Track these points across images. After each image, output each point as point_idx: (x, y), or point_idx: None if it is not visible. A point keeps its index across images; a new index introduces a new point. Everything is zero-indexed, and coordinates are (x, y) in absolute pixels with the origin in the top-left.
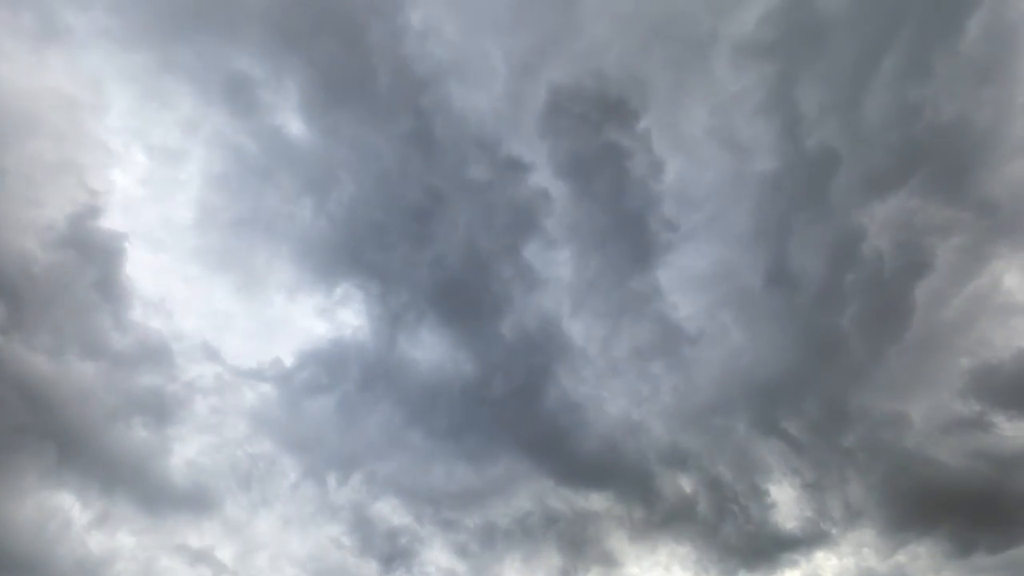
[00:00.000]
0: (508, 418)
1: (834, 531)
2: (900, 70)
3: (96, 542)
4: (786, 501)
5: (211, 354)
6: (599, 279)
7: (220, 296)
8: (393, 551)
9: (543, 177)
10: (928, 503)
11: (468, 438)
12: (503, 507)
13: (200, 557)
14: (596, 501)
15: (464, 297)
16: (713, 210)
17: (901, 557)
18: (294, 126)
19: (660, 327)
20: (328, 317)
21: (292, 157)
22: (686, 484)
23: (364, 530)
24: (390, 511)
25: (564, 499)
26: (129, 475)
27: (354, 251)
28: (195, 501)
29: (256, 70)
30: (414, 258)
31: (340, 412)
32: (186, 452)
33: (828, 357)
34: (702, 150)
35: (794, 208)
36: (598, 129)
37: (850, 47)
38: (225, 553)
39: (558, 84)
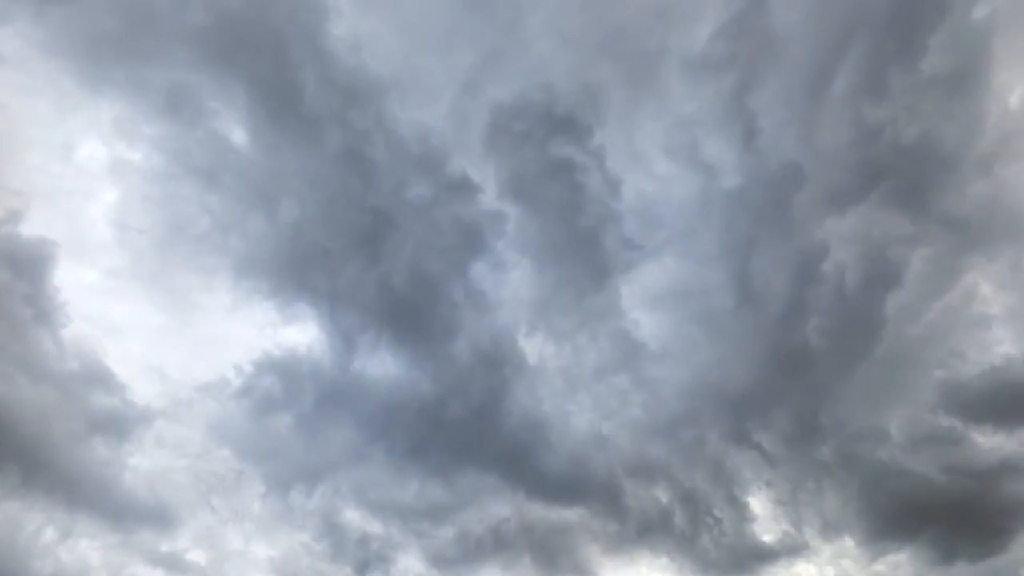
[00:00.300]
0: (470, 436)
1: (813, 542)
2: (859, 86)
3: (67, 556)
4: (764, 512)
5: (157, 372)
6: (557, 297)
7: (156, 312)
8: (367, 557)
9: (492, 195)
10: (907, 513)
11: (430, 455)
12: (474, 520)
13: (172, 566)
14: (570, 514)
15: (416, 317)
16: (674, 227)
17: (880, 567)
18: (235, 139)
19: (622, 343)
20: (276, 335)
21: (232, 170)
22: (661, 496)
23: (335, 537)
24: (360, 521)
25: (536, 513)
26: (93, 492)
27: (298, 269)
28: (161, 514)
29: (191, 82)
30: (361, 278)
31: (298, 428)
32: (147, 468)
33: (797, 371)
34: (659, 167)
35: (757, 224)
36: (549, 146)
37: (808, 62)
38: (196, 561)
39: (505, 100)
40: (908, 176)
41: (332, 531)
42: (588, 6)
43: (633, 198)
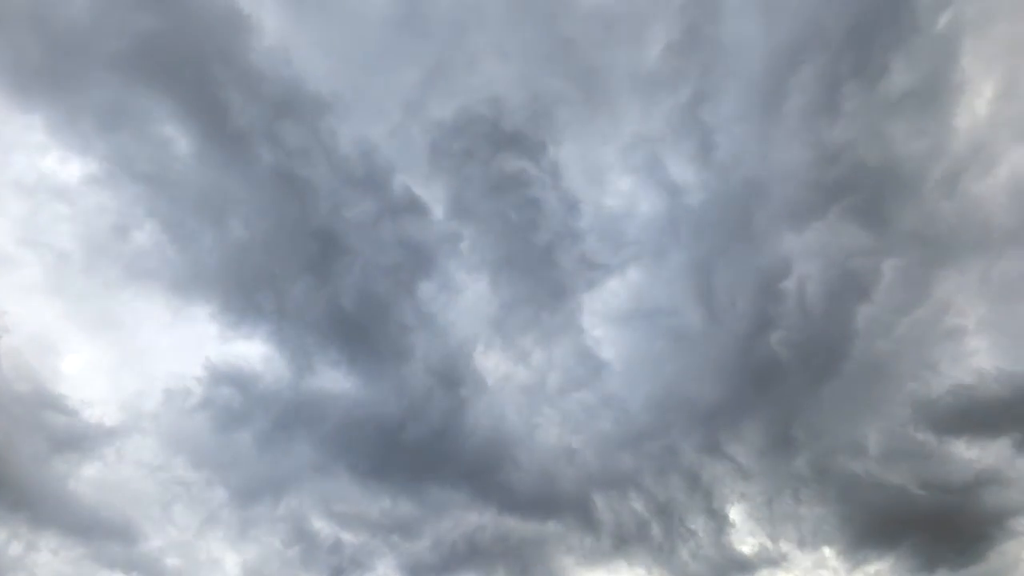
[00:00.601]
0: (434, 454)
1: (791, 553)
2: (818, 101)
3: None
4: (741, 524)
5: (107, 389)
6: (514, 315)
7: (93, 329)
8: (341, 564)
9: (441, 213)
10: (886, 523)
11: (395, 472)
12: (446, 533)
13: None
14: (544, 528)
15: (368, 337)
16: (635, 243)
17: None
18: (168, 157)
19: (583, 359)
20: (225, 352)
21: (168, 188)
22: (637, 508)
23: (306, 543)
24: (330, 530)
25: (510, 527)
26: (58, 509)
27: (244, 287)
28: (127, 526)
29: (123, 101)
30: (309, 298)
31: (255, 442)
32: (111, 481)
33: (767, 385)
34: (617, 183)
35: (720, 240)
36: (498, 162)
37: (765, 78)
38: (168, 568)
39: (452, 117)
40: (872, 190)
41: (302, 537)
42: (535, 21)
43: (592, 215)
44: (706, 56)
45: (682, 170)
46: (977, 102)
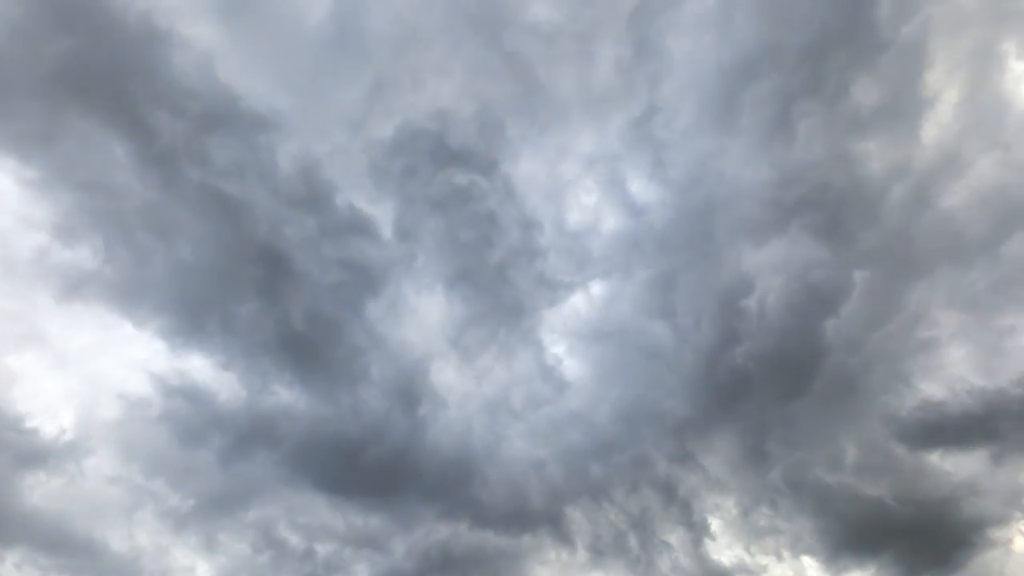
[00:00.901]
0: (398, 471)
1: (771, 564)
2: (776, 118)
3: None
4: (720, 535)
5: (61, 405)
6: (471, 332)
7: (41, 346)
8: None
9: (391, 231)
10: (866, 534)
11: (361, 489)
12: (418, 547)
13: None
14: (518, 542)
15: (321, 357)
16: (596, 260)
17: None
18: (102, 179)
19: (544, 374)
20: (178, 368)
21: (102, 208)
22: (613, 520)
23: (276, 550)
24: (299, 541)
25: (483, 540)
26: (20, 526)
27: (188, 305)
28: (92, 538)
29: (55, 122)
30: (259, 317)
31: (218, 459)
32: (72, 495)
33: (736, 399)
34: (573, 199)
35: (683, 256)
36: (449, 179)
37: (721, 93)
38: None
39: (398, 133)
40: (838, 205)
41: (272, 544)
42: (480, 37)
43: (552, 231)
44: (658, 71)
45: (641, 187)
46: (943, 113)
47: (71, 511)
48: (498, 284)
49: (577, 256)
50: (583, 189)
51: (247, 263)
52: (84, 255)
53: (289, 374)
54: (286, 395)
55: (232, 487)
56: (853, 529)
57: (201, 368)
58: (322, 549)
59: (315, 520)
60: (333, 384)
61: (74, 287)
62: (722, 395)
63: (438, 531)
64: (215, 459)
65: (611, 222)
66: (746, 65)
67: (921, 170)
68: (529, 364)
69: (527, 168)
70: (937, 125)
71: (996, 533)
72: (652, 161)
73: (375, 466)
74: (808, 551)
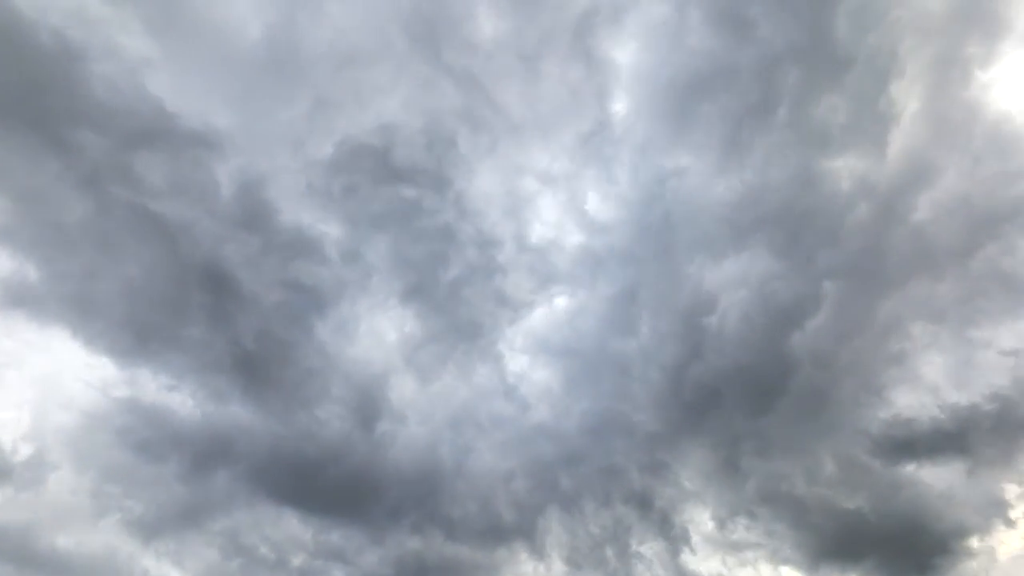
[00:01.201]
0: (361, 486)
1: (750, 574)
2: (726, 137)
3: None
4: (698, 546)
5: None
6: (430, 348)
7: None
8: None
9: (339, 249)
10: (844, 544)
11: (324, 504)
12: (387, 557)
13: None
14: (493, 555)
15: (273, 378)
16: (558, 275)
17: None
18: (36, 200)
19: (509, 388)
20: (133, 386)
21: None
22: (590, 532)
23: (245, 557)
24: (266, 552)
25: (457, 554)
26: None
27: (139, 326)
28: (54, 551)
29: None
30: (209, 336)
31: (178, 476)
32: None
33: (705, 412)
34: (531, 215)
35: (646, 271)
36: (399, 195)
37: (674, 109)
38: None
39: (341, 150)
40: (806, 220)
41: (241, 552)
42: (425, 53)
43: (510, 248)
44: (607, 86)
45: (599, 203)
46: (910, 125)
47: (36, 525)
48: (454, 300)
49: (538, 272)
50: (541, 205)
51: (190, 283)
52: (28, 269)
53: (241, 393)
54: (242, 414)
55: (196, 500)
56: (833, 540)
57: (153, 387)
58: (295, 560)
59: (283, 533)
60: (288, 403)
61: (16, 302)
62: (691, 409)
63: (410, 544)
64: (176, 474)
65: (572, 239)
66: (701, 81)
67: (888, 183)
68: (490, 379)
69: (483, 184)
70: (904, 137)
71: (977, 542)
72: (608, 178)
73: (339, 482)
74: (787, 561)
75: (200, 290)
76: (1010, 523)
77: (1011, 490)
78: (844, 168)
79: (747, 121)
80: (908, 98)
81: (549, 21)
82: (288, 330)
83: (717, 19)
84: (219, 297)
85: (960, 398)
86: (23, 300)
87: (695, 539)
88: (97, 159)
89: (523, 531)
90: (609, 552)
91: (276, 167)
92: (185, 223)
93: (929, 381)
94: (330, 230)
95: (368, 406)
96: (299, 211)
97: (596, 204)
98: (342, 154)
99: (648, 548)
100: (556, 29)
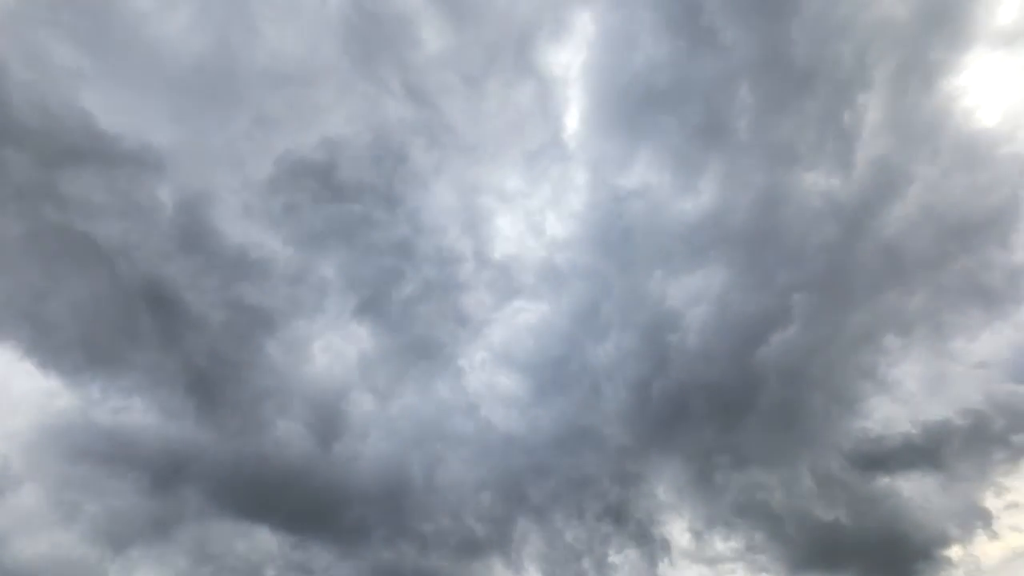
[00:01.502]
0: (327, 502)
1: None
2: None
3: None
4: (676, 554)
5: None
6: (388, 363)
7: None
8: None
9: (290, 266)
10: (827, 552)
11: (292, 520)
12: (362, 572)
13: None
14: (469, 568)
15: (228, 396)
16: (523, 289)
17: None
18: None
19: (471, 401)
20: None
21: None
22: (567, 542)
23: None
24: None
25: (433, 566)
26: None
27: (88, 345)
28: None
29: None
30: (160, 359)
31: (142, 491)
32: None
33: (676, 425)
34: (490, 230)
35: (610, 285)
36: (350, 210)
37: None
38: None
39: (286, 167)
40: (777, 233)
41: (210, 560)
42: (376, 70)
43: (471, 264)
44: (556, 102)
45: (557, 221)
46: (876, 136)
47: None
48: (411, 317)
49: (499, 288)
50: (500, 223)
51: (135, 304)
52: None
53: (195, 411)
54: (198, 432)
55: (161, 515)
56: (812, 550)
57: (107, 406)
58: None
59: (253, 545)
60: (245, 421)
61: None
62: (660, 423)
63: (384, 556)
64: (138, 490)
65: (533, 255)
66: (655, 94)
67: (855, 195)
68: (452, 395)
69: (440, 201)
70: (869, 148)
71: (959, 552)
72: (562, 197)
73: (306, 497)
74: (765, 570)
75: (146, 310)
76: (993, 535)
77: (993, 502)
78: (812, 180)
79: (706, 136)
80: (872, 109)
81: (493, 36)
82: (237, 350)
83: (670, 28)
84: (165, 317)
85: (932, 413)
86: None
87: (674, 549)
88: (20, 178)
89: (497, 543)
90: (586, 564)
91: (216, 186)
92: (121, 243)
93: (901, 393)
94: (276, 248)
95: (328, 424)
96: (242, 230)
97: (553, 222)
98: (282, 171)
99: (625, 559)
100: (500, 44)
